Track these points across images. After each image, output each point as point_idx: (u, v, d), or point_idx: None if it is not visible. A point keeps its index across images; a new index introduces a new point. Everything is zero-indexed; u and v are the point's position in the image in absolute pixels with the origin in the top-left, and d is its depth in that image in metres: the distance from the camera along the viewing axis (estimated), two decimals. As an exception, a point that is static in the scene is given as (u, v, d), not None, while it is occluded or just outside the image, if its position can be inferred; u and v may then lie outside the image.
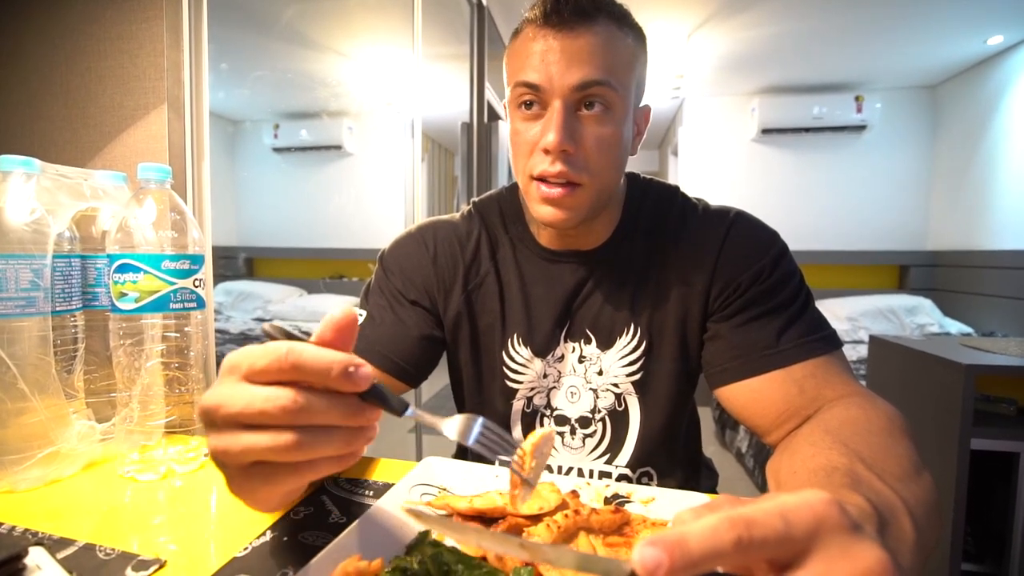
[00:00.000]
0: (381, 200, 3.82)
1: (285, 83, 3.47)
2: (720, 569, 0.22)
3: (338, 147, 3.88)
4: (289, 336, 0.31)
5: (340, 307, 0.32)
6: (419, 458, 0.55)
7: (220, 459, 0.30)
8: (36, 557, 0.40)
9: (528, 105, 0.58)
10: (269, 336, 0.31)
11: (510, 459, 0.36)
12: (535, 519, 0.44)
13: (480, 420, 0.36)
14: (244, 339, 3.14)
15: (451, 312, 0.70)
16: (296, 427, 0.29)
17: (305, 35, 2.85)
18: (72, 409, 0.61)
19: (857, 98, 3.49)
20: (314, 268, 4.05)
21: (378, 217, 3.81)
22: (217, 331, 3.36)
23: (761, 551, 0.21)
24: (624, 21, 0.58)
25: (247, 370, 0.29)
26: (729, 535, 0.21)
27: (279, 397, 0.29)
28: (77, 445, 0.60)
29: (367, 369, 0.30)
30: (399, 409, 0.33)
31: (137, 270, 0.58)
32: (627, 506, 0.49)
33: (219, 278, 3.97)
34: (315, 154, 3.97)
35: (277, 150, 3.98)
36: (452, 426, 0.36)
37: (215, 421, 0.30)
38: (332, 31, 2.84)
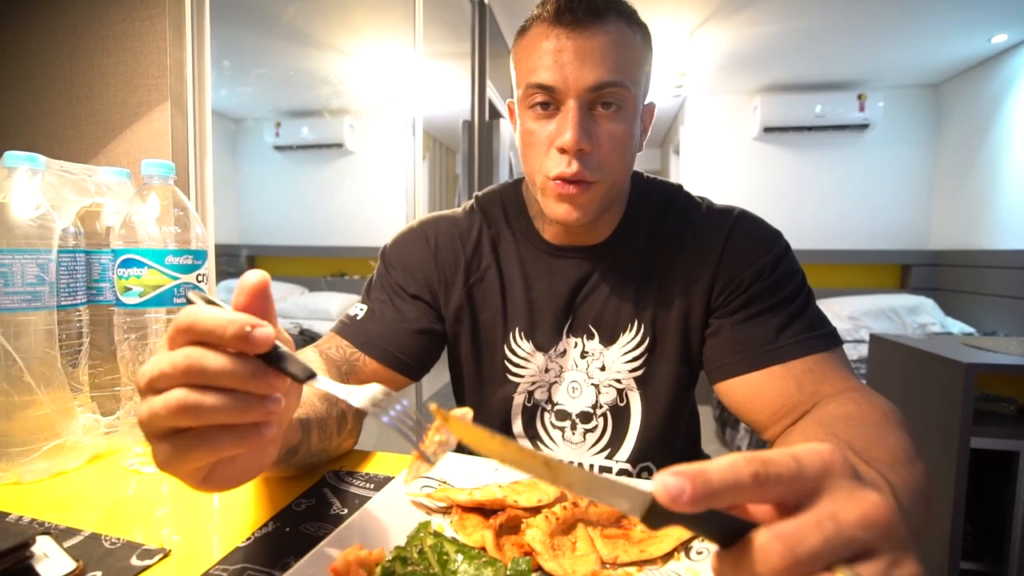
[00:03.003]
0: (382, 198, 3.82)
1: (287, 81, 3.48)
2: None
3: (339, 145, 3.88)
4: (209, 302, 0.31)
5: (252, 272, 0.31)
6: (420, 453, 0.56)
7: (141, 428, 0.31)
8: (43, 545, 0.41)
9: (543, 106, 0.58)
10: (188, 301, 0.31)
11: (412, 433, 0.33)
12: (534, 511, 0.45)
13: (388, 392, 0.34)
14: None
15: (452, 306, 0.70)
16: (190, 386, 0.29)
17: (306, 33, 2.85)
18: (77, 403, 0.61)
19: (860, 96, 3.48)
20: (315, 266, 4.06)
21: (379, 215, 3.81)
22: (219, 328, 3.35)
23: (775, 487, 0.22)
24: (632, 19, 0.58)
25: (169, 336, 0.30)
26: (748, 469, 0.22)
27: (173, 356, 0.29)
28: (82, 438, 0.60)
29: (265, 330, 0.29)
30: (301, 376, 0.31)
31: (141, 265, 0.59)
32: (625, 499, 0.50)
33: (221, 275, 3.98)
34: (316, 152, 3.98)
35: (279, 148, 3.98)
36: (358, 395, 0.33)
37: (140, 392, 0.30)
38: (333, 29, 2.84)
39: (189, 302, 0.31)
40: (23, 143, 0.91)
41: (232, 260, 4.11)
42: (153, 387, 0.29)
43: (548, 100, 0.57)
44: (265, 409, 0.31)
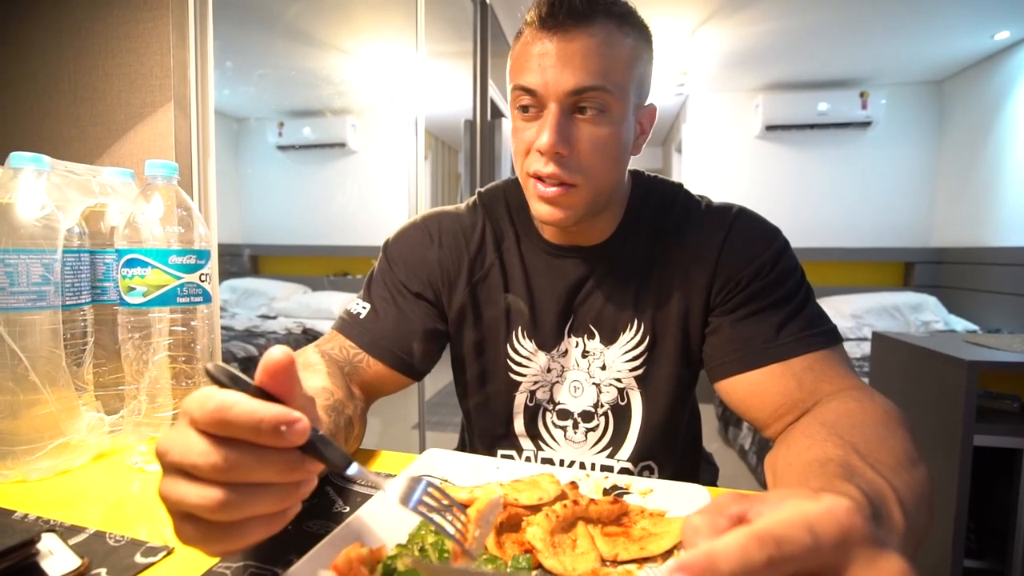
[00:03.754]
0: (385, 198, 3.83)
1: (289, 81, 3.49)
2: None
3: (342, 145, 3.89)
4: (233, 378, 0.30)
5: (277, 348, 0.29)
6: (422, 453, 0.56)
7: (164, 503, 0.30)
8: (49, 543, 0.41)
9: (525, 108, 0.59)
10: (210, 377, 0.30)
11: (453, 528, 0.33)
12: (534, 509, 0.45)
13: (424, 482, 0.34)
14: (249, 335, 3.17)
15: (455, 305, 0.70)
16: (227, 484, 0.28)
17: (308, 33, 2.86)
18: (82, 401, 0.62)
19: (862, 94, 3.47)
20: (318, 265, 4.07)
21: (382, 215, 3.82)
22: (223, 328, 3.38)
23: (791, 566, 0.21)
24: (625, 20, 0.57)
25: (193, 417, 0.28)
26: (760, 555, 0.20)
27: (210, 453, 0.28)
28: (87, 436, 0.61)
29: (301, 425, 0.28)
30: (341, 465, 0.31)
31: (145, 265, 0.59)
32: (625, 497, 0.50)
33: (224, 275, 4.00)
34: (319, 152, 3.99)
35: (281, 148, 4.00)
36: (394, 487, 0.33)
37: (163, 465, 0.29)
38: (335, 29, 2.85)
39: (211, 378, 0.30)
40: (28, 144, 0.92)
41: (235, 260, 4.13)
42: (178, 469, 0.29)
43: (531, 102, 0.58)
44: (299, 494, 0.30)
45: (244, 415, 0.27)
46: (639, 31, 0.59)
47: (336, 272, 4.04)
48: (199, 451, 0.28)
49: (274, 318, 3.62)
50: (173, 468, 0.29)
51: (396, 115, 3.84)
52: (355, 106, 3.78)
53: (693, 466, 0.81)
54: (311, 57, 3.16)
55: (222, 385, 0.29)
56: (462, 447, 0.86)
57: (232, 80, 3.36)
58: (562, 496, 0.47)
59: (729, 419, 2.79)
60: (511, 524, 0.44)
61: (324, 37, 2.93)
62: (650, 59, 0.62)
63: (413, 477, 0.34)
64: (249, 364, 2.70)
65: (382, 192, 3.86)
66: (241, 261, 4.16)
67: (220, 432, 0.28)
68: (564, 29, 0.55)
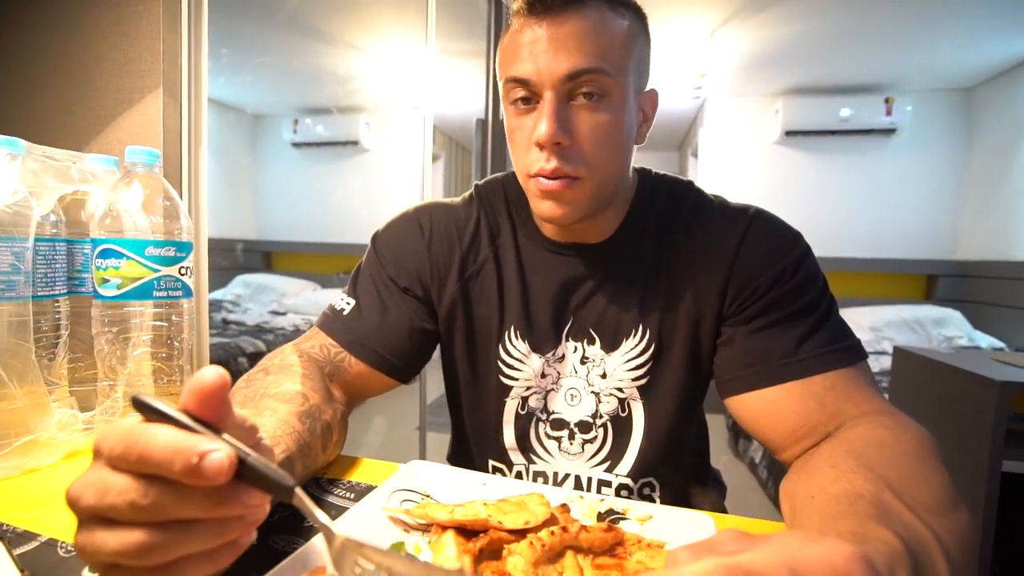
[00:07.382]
0: (397, 196, 3.82)
1: (304, 77, 3.50)
2: None
3: (355, 143, 3.90)
4: (155, 411, 0.26)
5: (210, 369, 0.26)
6: (423, 459, 0.52)
7: (83, 559, 0.26)
8: (-11, 553, 0.38)
9: (521, 100, 0.55)
10: (135, 407, 0.27)
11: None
12: (519, 534, 0.41)
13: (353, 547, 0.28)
14: (259, 331, 3.17)
15: (445, 301, 0.67)
16: (150, 524, 0.25)
17: (321, 28, 2.86)
18: (54, 397, 0.59)
19: (887, 100, 3.37)
20: (329, 263, 4.08)
21: (393, 213, 3.81)
22: (233, 323, 3.38)
23: None
24: (618, 1, 0.54)
25: (106, 454, 0.25)
26: None
27: (128, 491, 0.25)
28: (57, 434, 0.58)
29: (217, 456, 0.24)
30: (279, 495, 0.27)
31: (119, 255, 0.56)
32: (622, 523, 0.45)
33: (239, 270, 4.03)
34: (332, 149, 4.00)
35: (296, 145, 4.02)
36: (324, 544, 0.29)
37: (76, 515, 0.26)
38: (349, 25, 2.84)
39: (136, 407, 0.27)
40: (17, 129, 0.89)
41: (250, 255, 4.16)
42: (95, 516, 0.25)
43: (527, 94, 0.54)
44: (243, 525, 0.27)
45: (159, 450, 0.24)
46: (634, 13, 0.56)
47: (346, 270, 4.01)
48: (117, 489, 0.25)
49: (284, 314, 3.62)
50: (88, 515, 0.26)
51: (409, 113, 3.84)
52: (368, 104, 3.79)
53: (699, 484, 0.76)
54: (324, 53, 3.16)
55: (146, 415, 0.26)
56: (451, 459, 0.82)
57: (247, 75, 3.38)
58: (551, 520, 0.42)
59: (740, 431, 2.72)
60: (492, 551, 0.40)
61: (337, 33, 2.92)
62: (648, 42, 0.58)
63: (345, 541, 0.28)
64: (256, 360, 2.70)
65: (394, 191, 3.85)
66: (255, 256, 4.19)
67: (133, 469, 0.25)
68: (555, 13, 0.52)
